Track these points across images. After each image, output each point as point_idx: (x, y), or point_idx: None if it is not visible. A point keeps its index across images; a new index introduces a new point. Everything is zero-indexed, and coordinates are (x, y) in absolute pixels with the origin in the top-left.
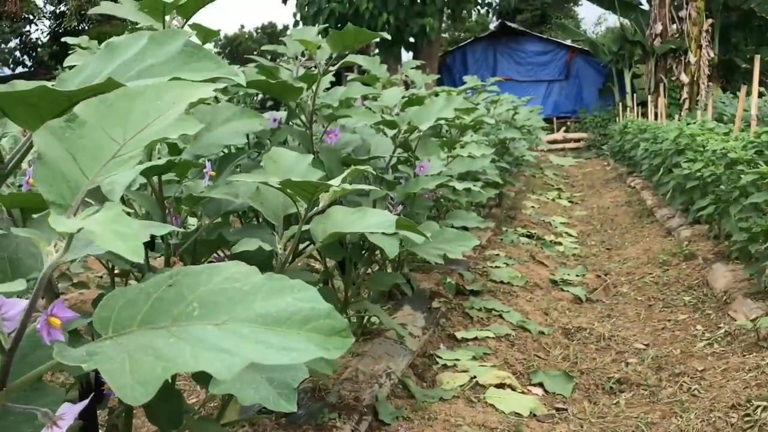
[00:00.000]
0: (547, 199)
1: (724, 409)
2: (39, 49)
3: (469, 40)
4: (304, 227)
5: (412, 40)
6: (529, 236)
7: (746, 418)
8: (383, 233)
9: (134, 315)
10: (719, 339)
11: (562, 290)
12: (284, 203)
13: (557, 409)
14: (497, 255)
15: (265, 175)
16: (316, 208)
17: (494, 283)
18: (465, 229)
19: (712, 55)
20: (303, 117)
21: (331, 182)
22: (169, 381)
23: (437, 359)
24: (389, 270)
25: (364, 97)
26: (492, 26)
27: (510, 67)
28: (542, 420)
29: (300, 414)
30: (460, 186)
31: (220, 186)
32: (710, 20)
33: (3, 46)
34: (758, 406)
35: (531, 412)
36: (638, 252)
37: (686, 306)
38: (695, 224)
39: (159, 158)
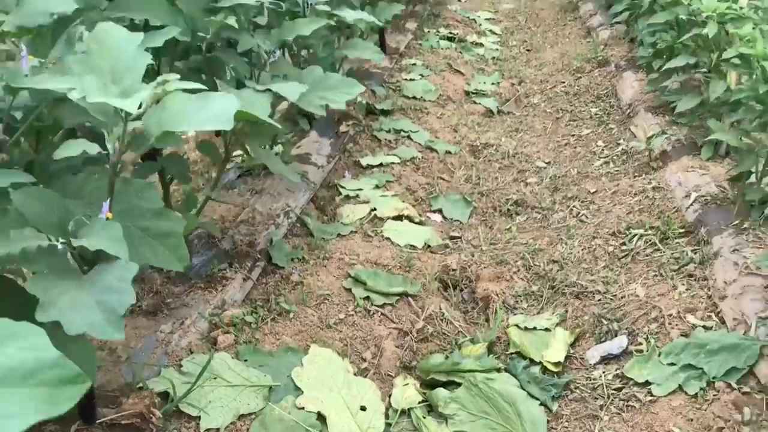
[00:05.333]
0: None
1: (605, 236)
2: None
3: None
4: (135, 125)
5: None
6: (451, 38)
7: (622, 247)
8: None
9: None
10: (615, 158)
11: (475, 103)
12: None
13: (452, 238)
14: (414, 65)
15: (73, 78)
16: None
17: (406, 99)
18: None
19: None
20: None
21: (126, 104)
22: None
23: (340, 189)
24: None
25: None
26: None
27: None
28: (435, 251)
29: (192, 264)
30: (352, 18)
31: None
32: None
33: None
34: (634, 235)
35: (425, 243)
36: (555, 56)
37: (592, 119)
38: (615, 24)
39: None
